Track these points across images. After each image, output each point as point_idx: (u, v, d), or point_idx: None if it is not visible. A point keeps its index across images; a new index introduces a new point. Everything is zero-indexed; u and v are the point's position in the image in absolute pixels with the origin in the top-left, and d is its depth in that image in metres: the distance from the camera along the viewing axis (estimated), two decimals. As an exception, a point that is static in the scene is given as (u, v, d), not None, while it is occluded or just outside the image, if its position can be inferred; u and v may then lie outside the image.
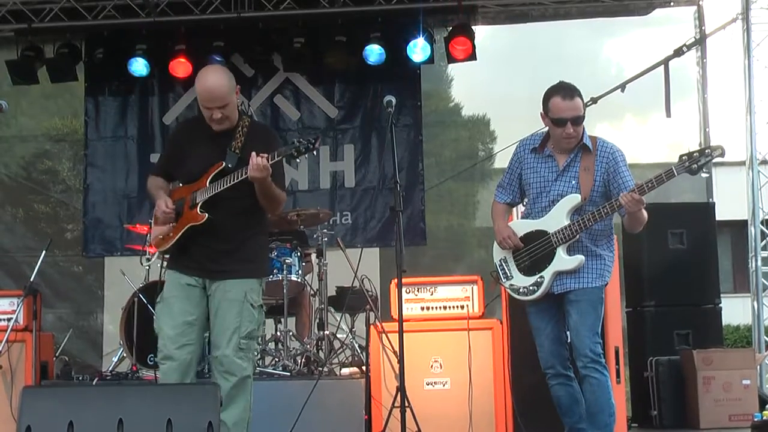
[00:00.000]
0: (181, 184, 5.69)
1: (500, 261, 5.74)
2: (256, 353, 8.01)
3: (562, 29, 11.90)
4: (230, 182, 5.34)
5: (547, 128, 5.63)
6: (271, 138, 5.64)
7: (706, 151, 5.24)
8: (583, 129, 5.56)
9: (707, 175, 10.26)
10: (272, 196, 5.43)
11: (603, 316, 5.62)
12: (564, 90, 5.51)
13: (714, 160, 5.27)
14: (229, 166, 5.39)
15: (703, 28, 10.45)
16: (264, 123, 5.64)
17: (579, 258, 5.47)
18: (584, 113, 5.53)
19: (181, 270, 5.50)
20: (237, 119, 5.51)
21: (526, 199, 5.84)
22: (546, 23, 10.93)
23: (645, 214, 5.52)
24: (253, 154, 5.21)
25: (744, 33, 10.11)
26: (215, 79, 5.39)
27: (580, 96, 5.53)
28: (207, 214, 5.37)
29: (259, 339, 8.24)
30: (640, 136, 23.92)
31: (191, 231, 5.43)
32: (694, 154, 5.25)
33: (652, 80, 10.32)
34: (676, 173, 5.27)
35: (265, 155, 5.20)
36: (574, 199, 5.49)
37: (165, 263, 5.82)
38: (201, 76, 5.41)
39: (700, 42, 10.45)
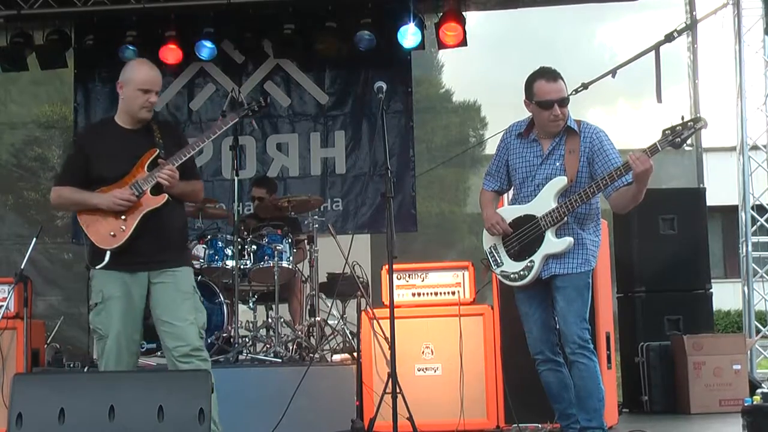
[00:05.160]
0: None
1: (490, 248, 5.72)
2: (248, 340, 8.08)
3: (554, 14, 11.91)
4: (180, 160, 5.37)
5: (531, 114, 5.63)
6: (179, 132, 5.83)
7: (689, 123, 5.18)
8: (568, 112, 5.56)
9: (690, 148, 10.25)
10: (187, 192, 5.56)
11: (592, 301, 5.61)
12: (548, 73, 5.51)
13: (707, 147, 5.26)
14: (162, 152, 5.43)
15: (694, 13, 10.43)
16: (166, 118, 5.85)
17: (568, 240, 5.44)
18: (568, 95, 5.53)
19: (122, 268, 5.40)
20: None
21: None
22: (537, 9, 10.88)
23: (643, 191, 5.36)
24: (162, 165, 5.34)
25: (735, 18, 10.12)
26: (153, 66, 5.65)
27: (563, 78, 5.53)
28: (166, 195, 5.37)
29: (251, 325, 8.29)
30: (634, 120, 23.98)
31: (143, 221, 5.34)
32: (677, 128, 5.19)
33: (645, 65, 10.30)
34: (660, 148, 5.21)
35: (168, 165, 5.33)
36: (560, 181, 5.47)
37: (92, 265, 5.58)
38: (140, 64, 5.64)
39: (691, 27, 10.43)
